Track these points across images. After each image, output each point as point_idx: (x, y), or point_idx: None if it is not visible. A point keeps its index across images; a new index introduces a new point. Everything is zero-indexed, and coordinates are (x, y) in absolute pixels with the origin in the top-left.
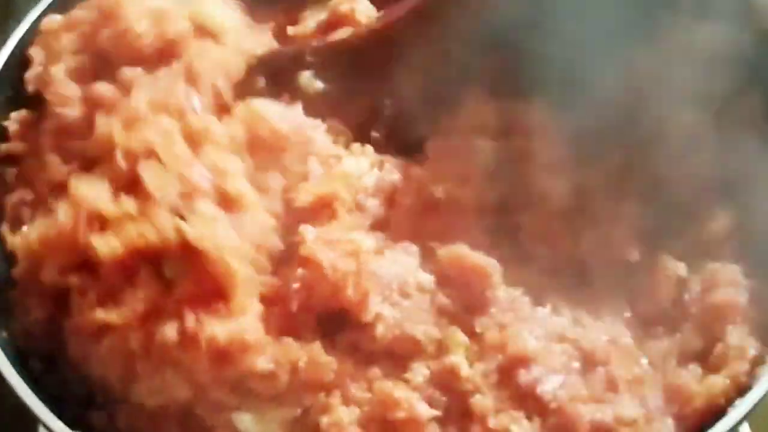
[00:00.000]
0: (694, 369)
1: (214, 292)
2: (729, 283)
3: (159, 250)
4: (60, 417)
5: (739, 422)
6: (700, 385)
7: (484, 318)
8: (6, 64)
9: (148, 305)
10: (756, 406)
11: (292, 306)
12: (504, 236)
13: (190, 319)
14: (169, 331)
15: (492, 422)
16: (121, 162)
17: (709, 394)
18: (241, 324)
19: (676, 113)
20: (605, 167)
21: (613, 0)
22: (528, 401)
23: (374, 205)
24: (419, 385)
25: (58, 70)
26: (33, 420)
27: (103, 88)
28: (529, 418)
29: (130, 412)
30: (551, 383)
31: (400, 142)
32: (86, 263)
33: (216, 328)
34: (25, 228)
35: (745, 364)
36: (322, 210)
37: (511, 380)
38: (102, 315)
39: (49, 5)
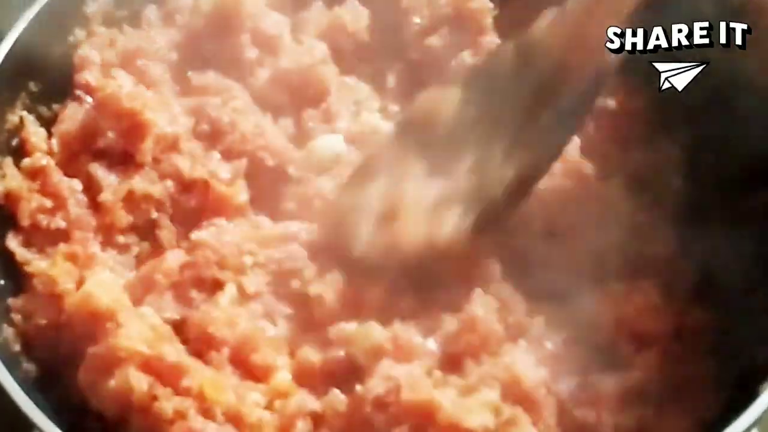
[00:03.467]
0: None
1: None
2: None
3: None
4: (57, 424)
5: (749, 428)
6: None
7: None
8: (3, 62)
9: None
10: (765, 412)
11: None
12: None
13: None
14: (167, 406)
15: None
16: None
17: None
18: None
19: None
20: None
21: None
22: None
23: None
24: None
25: None
26: (30, 427)
27: None
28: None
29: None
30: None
31: None
32: None
33: None
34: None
35: None
36: None
37: None
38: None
39: (46, 4)
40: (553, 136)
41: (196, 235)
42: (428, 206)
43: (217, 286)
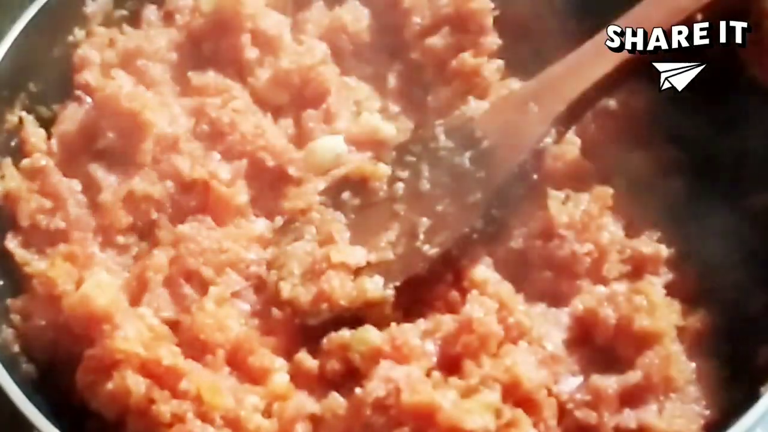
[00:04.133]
0: None
1: None
2: None
3: None
4: (56, 426)
5: (752, 428)
6: None
7: None
8: (2, 62)
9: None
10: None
11: None
12: None
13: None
14: (165, 409)
15: None
16: None
17: None
18: None
19: None
20: None
21: None
22: None
23: None
24: None
25: None
26: (29, 428)
27: None
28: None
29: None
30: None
31: None
32: None
33: None
34: None
35: None
36: None
37: None
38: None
39: (45, 4)
40: (477, 220)
41: (179, 228)
42: (351, 271)
43: (205, 282)
